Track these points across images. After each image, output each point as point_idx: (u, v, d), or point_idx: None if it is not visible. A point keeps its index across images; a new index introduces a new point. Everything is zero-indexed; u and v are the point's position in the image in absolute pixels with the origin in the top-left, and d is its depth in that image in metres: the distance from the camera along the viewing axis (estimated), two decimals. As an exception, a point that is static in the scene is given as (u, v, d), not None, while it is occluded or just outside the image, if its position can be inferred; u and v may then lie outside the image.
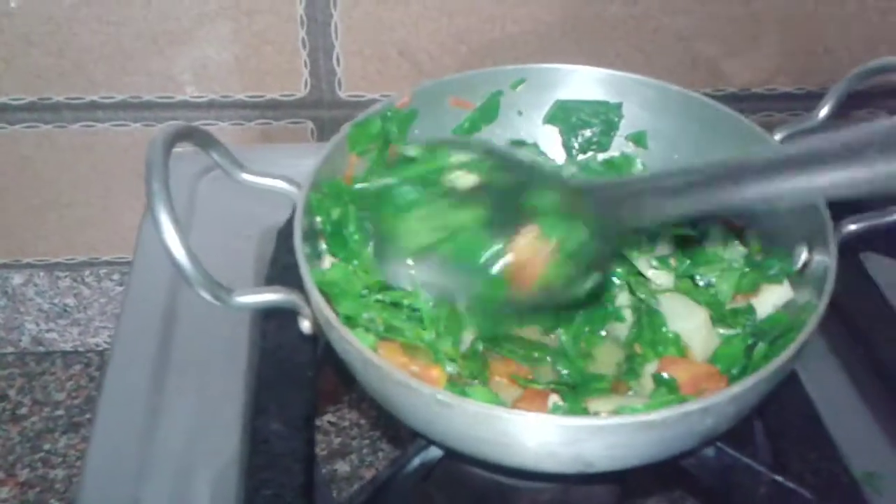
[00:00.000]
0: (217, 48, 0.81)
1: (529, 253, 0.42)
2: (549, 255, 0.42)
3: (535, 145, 0.63)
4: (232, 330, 0.62)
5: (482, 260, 0.43)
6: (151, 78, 0.82)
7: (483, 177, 0.46)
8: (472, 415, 0.41)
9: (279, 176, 0.53)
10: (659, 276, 0.52)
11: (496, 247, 0.43)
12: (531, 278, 0.42)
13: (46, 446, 0.92)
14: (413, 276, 0.47)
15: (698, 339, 0.50)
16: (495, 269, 0.43)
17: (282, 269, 0.61)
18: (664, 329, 0.50)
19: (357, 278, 0.50)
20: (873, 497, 0.51)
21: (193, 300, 0.45)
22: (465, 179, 0.46)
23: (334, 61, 0.83)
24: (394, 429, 0.86)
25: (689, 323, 0.50)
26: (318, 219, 0.53)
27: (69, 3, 0.78)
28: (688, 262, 0.52)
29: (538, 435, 0.42)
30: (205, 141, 0.49)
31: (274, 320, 0.59)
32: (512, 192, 0.45)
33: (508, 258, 0.43)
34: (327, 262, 0.52)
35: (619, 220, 0.41)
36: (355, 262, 0.51)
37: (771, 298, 0.52)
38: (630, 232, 0.48)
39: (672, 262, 0.52)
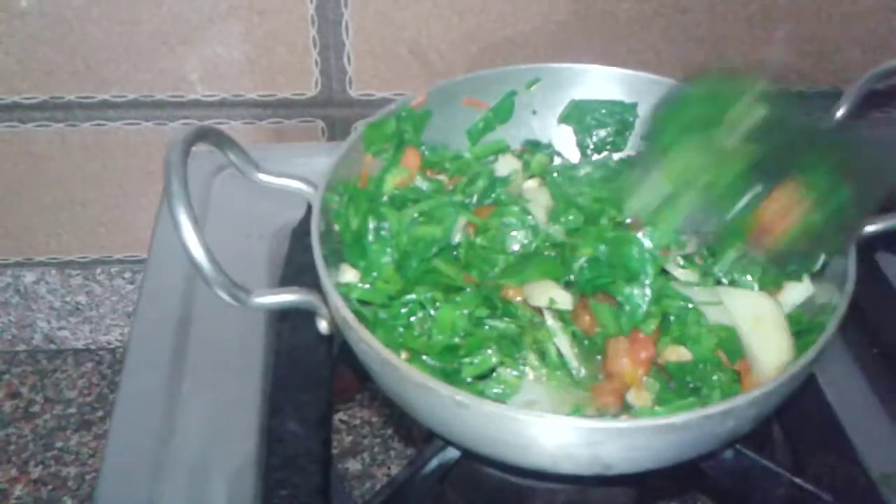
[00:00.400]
0: (228, 47, 0.81)
1: (785, 203, 0.43)
2: (803, 211, 0.42)
3: (550, 145, 0.63)
4: (247, 330, 0.62)
5: (740, 197, 0.44)
6: (163, 77, 0.83)
7: (761, 122, 0.46)
8: (489, 415, 0.41)
9: (295, 176, 0.53)
10: (686, 275, 0.51)
11: (756, 188, 0.44)
12: (779, 229, 0.43)
13: (59, 444, 0.92)
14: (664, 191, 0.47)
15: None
16: (747, 208, 0.44)
17: (297, 269, 0.62)
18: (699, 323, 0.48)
19: (377, 292, 0.50)
20: (892, 499, 0.51)
21: (209, 300, 0.45)
22: (747, 120, 0.46)
23: (345, 60, 0.83)
24: (406, 427, 0.86)
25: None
26: (336, 227, 0.53)
27: (81, 2, 0.78)
28: (711, 259, 0.51)
29: (556, 436, 0.41)
30: (221, 141, 0.49)
31: (289, 320, 0.59)
32: (785, 139, 0.45)
33: (765, 203, 0.44)
34: (349, 273, 0.52)
35: (881, 185, 0.42)
36: (374, 273, 0.51)
37: (792, 296, 0.50)
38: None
39: (698, 260, 0.51)
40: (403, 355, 0.48)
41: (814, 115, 0.50)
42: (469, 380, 0.47)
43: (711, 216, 0.46)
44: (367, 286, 0.51)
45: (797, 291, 0.51)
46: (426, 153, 0.59)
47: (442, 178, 0.58)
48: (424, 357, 0.48)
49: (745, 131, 0.46)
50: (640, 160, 0.51)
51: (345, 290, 0.50)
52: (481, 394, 0.47)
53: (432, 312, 0.49)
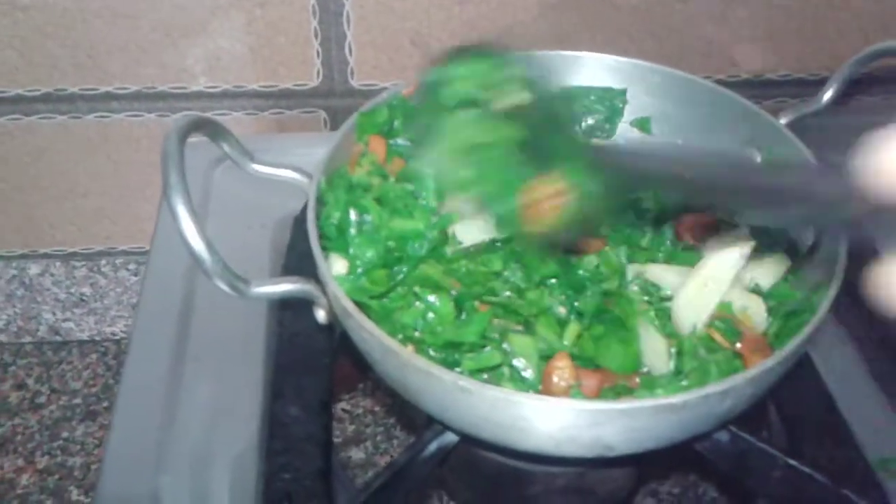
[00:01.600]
0: (230, 39, 0.82)
1: (550, 191, 0.44)
2: (563, 199, 0.44)
3: None
4: (249, 318, 0.63)
5: (509, 182, 0.46)
6: (165, 69, 0.83)
7: (524, 103, 0.47)
8: (492, 400, 0.42)
9: (289, 166, 0.53)
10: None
11: (524, 174, 0.45)
12: (543, 215, 0.44)
13: (64, 434, 0.93)
14: (439, 172, 0.49)
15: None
16: (516, 196, 0.45)
17: (298, 258, 0.62)
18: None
19: (364, 290, 0.50)
20: (888, 482, 0.52)
21: (211, 289, 0.45)
22: (509, 98, 0.47)
23: (346, 51, 0.83)
24: (408, 416, 0.86)
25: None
26: (322, 220, 0.52)
27: (83, -6, 0.78)
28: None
29: (559, 419, 0.42)
30: (216, 132, 0.50)
31: (291, 308, 0.59)
32: (545, 125, 0.46)
33: (531, 191, 0.45)
34: (339, 264, 0.52)
35: (630, 182, 0.44)
36: (359, 268, 0.51)
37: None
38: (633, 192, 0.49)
39: None
40: (410, 348, 0.48)
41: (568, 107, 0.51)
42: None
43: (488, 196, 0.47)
44: (359, 281, 0.50)
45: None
46: (398, 144, 0.58)
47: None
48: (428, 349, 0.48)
49: (507, 110, 0.47)
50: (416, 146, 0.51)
51: (338, 281, 0.50)
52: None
53: (429, 301, 0.49)
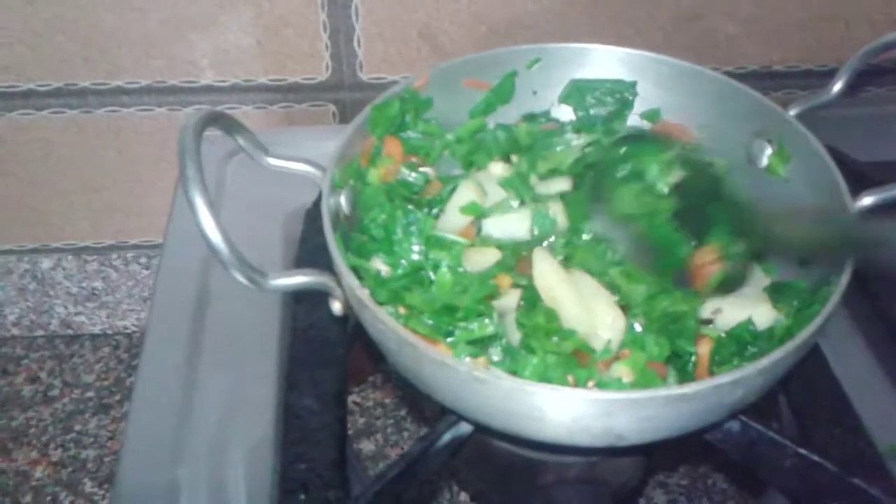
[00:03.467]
0: (239, 33, 0.82)
1: (708, 259, 0.53)
2: (720, 266, 0.53)
3: (547, 113, 0.63)
4: (263, 310, 0.63)
5: (673, 249, 0.54)
6: (175, 63, 0.83)
7: (683, 178, 0.56)
8: (507, 390, 0.42)
9: (303, 159, 0.54)
10: None
11: (686, 246, 0.54)
12: (705, 278, 0.53)
13: (78, 427, 0.94)
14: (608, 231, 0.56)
15: None
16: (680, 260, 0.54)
17: (311, 250, 0.62)
18: None
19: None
20: (897, 470, 0.52)
21: (225, 282, 0.45)
22: (670, 176, 0.56)
23: (355, 44, 0.83)
24: (418, 408, 0.87)
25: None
26: (368, 220, 0.53)
27: (93, -11, 0.79)
28: None
29: (572, 409, 0.42)
30: (230, 126, 0.50)
31: (305, 300, 0.60)
32: (702, 197, 0.55)
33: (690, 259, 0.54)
34: (379, 263, 0.53)
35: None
36: (403, 262, 0.52)
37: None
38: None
39: None
40: (402, 311, 0.49)
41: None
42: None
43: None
44: (398, 283, 0.52)
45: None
46: (411, 138, 0.59)
47: (427, 170, 0.58)
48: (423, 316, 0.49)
49: (666, 187, 0.56)
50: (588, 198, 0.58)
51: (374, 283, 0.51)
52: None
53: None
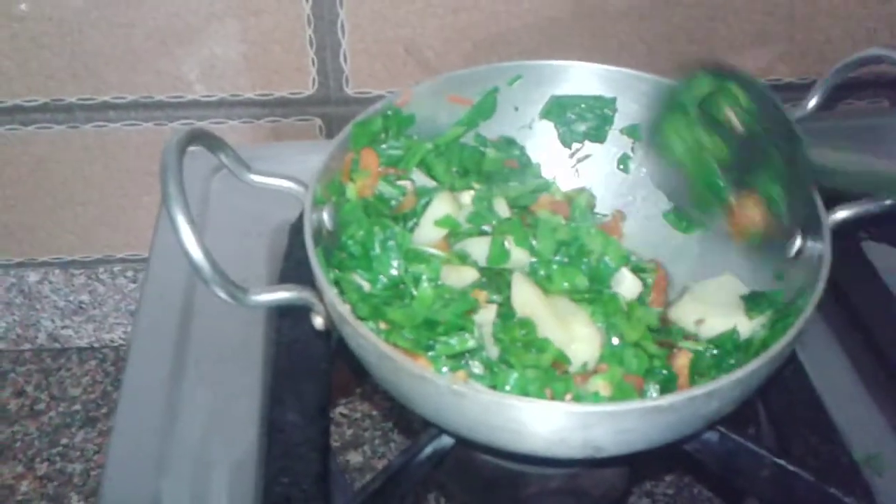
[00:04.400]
0: (225, 47, 0.83)
1: (751, 209, 0.52)
2: (761, 218, 0.52)
3: (523, 148, 0.65)
4: (247, 325, 0.63)
5: (716, 186, 0.53)
6: (161, 78, 0.84)
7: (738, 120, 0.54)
8: (485, 404, 0.43)
9: (285, 176, 0.54)
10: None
11: (726, 187, 0.52)
12: (745, 228, 0.52)
13: (64, 441, 0.93)
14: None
15: None
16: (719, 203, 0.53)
17: (295, 265, 0.63)
18: None
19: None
20: (873, 479, 0.53)
21: (210, 296, 0.46)
22: (728, 113, 0.53)
23: (341, 59, 0.84)
24: (406, 420, 0.87)
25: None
26: (346, 237, 0.54)
27: (80, 6, 0.79)
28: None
29: (550, 422, 0.43)
30: (213, 143, 0.51)
31: (289, 315, 0.60)
32: (751, 145, 0.53)
33: (736, 204, 0.53)
34: (359, 279, 0.53)
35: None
36: (382, 277, 0.53)
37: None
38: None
39: None
40: (383, 326, 0.50)
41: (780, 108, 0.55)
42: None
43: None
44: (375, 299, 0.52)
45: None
46: (389, 149, 0.59)
47: (405, 183, 0.59)
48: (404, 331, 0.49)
49: (725, 123, 0.53)
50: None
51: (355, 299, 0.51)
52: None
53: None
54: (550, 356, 0.49)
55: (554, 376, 0.48)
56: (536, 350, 0.49)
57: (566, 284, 0.54)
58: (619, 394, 0.48)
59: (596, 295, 0.54)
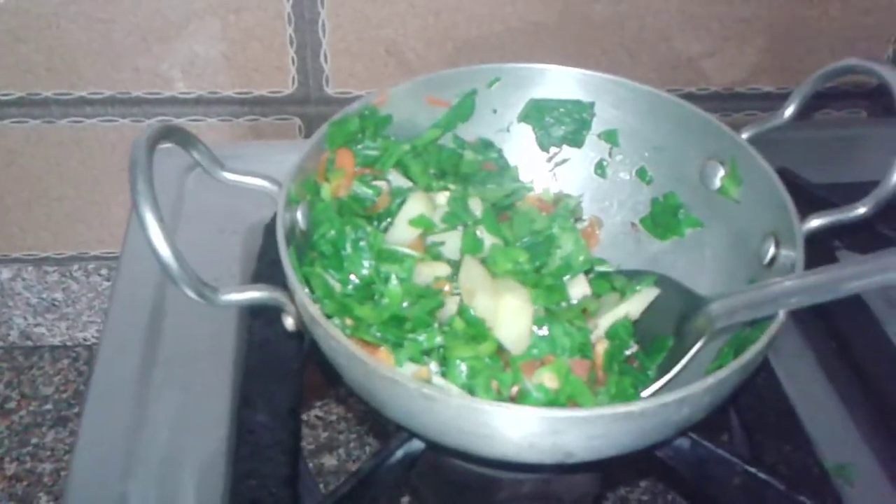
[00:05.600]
0: (205, 45, 0.82)
1: None
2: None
3: (501, 151, 0.64)
4: (219, 325, 0.63)
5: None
6: (140, 74, 0.83)
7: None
8: (455, 408, 0.42)
9: (259, 174, 0.54)
10: None
11: None
12: None
13: (34, 440, 0.92)
14: None
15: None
16: None
17: (269, 265, 0.62)
18: None
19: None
20: (844, 488, 0.53)
21: (181, 296, 0.45)
22: None
23: (322, 58, 0.84)
24: (381, 423, 0.87)
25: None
26: (317, 237, 0.53)
27: (58, 0, 0.78)
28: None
29: (519, 426, 0.42)
30: (185, 140, 0.50)
31: (260, 316, 0.60)
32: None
33: None
34: (329, 279, 0.53)
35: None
36: (353, 277, 0.52)
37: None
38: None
39: None
40: (348, 322, 0.49)
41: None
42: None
43: None
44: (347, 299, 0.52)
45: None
46: (365, 149, 0.59)
47: (380, 183, 0.58)
48: (371, 328, 0.49)
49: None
50: None
51: (322, 293, 0.51)
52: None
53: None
54: (491, 346, 0.49)
55: (500, 368, 0.48)
56: (476, 339, 0.49)
57: (510, 265, 0.54)
58: (567, 386, 0.48)
59: (540, 279, 0.54)
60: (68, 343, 1.03)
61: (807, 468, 0.52)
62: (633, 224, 0.64)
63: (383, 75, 0.85)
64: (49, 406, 0.96)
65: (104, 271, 0.97)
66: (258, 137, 0.88)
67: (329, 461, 0.86)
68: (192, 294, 0.44)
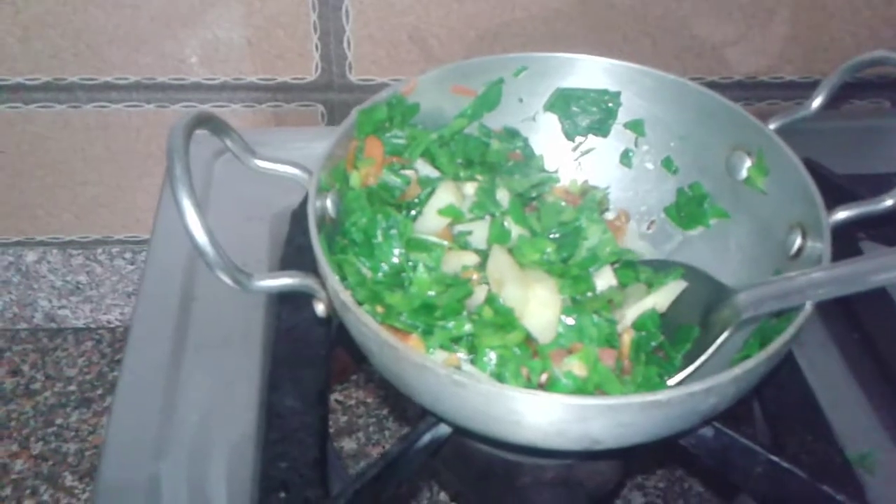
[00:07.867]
0: (229, 31, 0.82)
1: None
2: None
3: (527, 140, 0.65)
4: (248, 310, 0.64)
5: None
6: (164, 59, 0.84)
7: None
8: (484, 394, 0.43)
9: (290, 162, 0.54)
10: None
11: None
12: None
13: (59, 421, 0.94)
14: None
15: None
16: None
17: (296, 251, 0.63)
18: None
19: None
20: (865, 477, 0.53)
21: (210, 280, 0.46)
22: None
23: (345, 45, 0.84)
24: (400, 407, 0.88)
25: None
26: (348, 224, 0.54)
27: (84, -16, 0.79)
28: None
29: (548, 413, 0.43)
30: (219, 128, 0.50)
31: (290, 301, 0.60)
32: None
33: None
34: (360, 266, 0.54)
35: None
36: (384, 265, 0.53)
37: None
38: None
39: None
40: (379, 309, 0.50)
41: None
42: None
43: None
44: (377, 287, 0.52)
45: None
46: (394, 139, 0.59)
47: (409, 172, 0.59)
48: (401, 316, 0.50)
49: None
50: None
51: (354, 280, 0.52)
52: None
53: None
54: (519, 335, 0.49)
55: (528, 356, 0.49)
56: (506, 329, 0.49)
57: (537, 256, 0.54)
58: (595, 374, 0.49)
59: (567, 269, 0.54)
60: (92, 325, 1.04)
61: (829, 457, 0.52)
62: (651, 221, 0.65)
63: (406, 62, 0.85)
64: (73, 387, 0.97)
65: (128, 255, 0.98)
66: (280, 124, 0.89)
67: (349, 444, 0.87)
68: (227, 280, 0.45)
